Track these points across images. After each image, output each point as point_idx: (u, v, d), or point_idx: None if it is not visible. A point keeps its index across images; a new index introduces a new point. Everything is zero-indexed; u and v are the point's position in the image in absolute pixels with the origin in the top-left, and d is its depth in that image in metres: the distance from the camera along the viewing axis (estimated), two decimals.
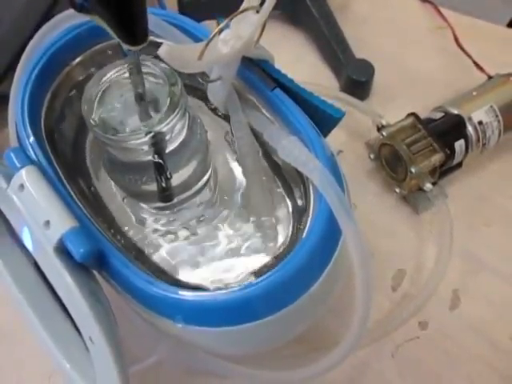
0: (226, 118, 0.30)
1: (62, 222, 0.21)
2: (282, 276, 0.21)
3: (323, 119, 0.27)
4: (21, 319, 0.29)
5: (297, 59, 0.43)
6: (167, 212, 0.29)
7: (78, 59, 0.29)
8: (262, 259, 0.27)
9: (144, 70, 0.22)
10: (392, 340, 0.32)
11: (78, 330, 0.27)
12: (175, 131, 0.23)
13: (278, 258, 0.27)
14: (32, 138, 0.25)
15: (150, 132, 0.22)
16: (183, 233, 0.29)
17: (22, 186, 0.22)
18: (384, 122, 0.34)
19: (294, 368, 0.27)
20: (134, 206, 0.29)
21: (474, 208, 0.36)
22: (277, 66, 0.27)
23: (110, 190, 0.30)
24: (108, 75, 0.23)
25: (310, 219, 0.24)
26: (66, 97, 0.30)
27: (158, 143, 0.22)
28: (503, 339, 0.32)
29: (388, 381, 0.31)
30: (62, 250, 0.22)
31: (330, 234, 0.23)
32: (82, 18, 0.28)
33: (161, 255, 0.28)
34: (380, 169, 0.36)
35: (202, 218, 0.29)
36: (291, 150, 0.24)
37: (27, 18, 0.37)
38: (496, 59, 0.40)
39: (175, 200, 0.28)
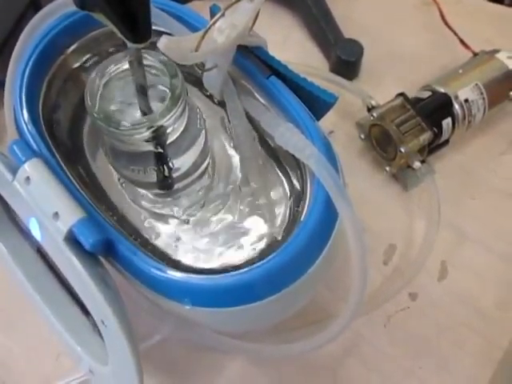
0: (221, 104, 0.31)
1: (70, 214, 0.22)
2: (284, 258, 0.22)
3: (317, 104, 0.28)
4: (26, 303, 0.30)
5: (285, 39, 0.44)
6: (167, 198, 0.30)
7: (72, 47, 0.29)
8: (261, 241, 0.28)
9: (144, 62, 0.22)
10: (384, 311, 0.34)
11: (84, 313, 0.29)
12: (176, 123, 0.23)
13: (277, 240, 0.28)
14: (33, 130, 0.26)
15: (152, 126, 0.22)
16: (183, 217, 0.30)
17: (28, 179, 0.23)
18: (374, 103, 0.35)
19: (292, 341, 0.28)
20: (133, 192, 0.30)
21: (459, 182, 0.38)
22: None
23: (109, 176, 0.30)
24: (110, 68, 0.24)
25: (307, 202, 0.25)
26: (60, 85, 0.30)
27: (159, 136, 0.23)
28: (489, 307, 0.34)
29: (380, 350, 0.33)
30: (72, 240, 0.22)
31: (328, 217, 0.24)
32: (73, 7, 0.28)
33: (163, 240, 0.29)
34: (370, 148, 0.37)
35: (201, 203, 0.30)
36: (288, 137, 0.25)
37: (14, 2, 0.36)
38: (481, 35, 0.41)
39: (175, 187, 0.28)
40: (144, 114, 0.24)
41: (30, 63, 0.27)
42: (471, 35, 0.40)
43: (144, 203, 0.30)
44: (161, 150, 0.25)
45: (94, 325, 0.28)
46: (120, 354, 0.23)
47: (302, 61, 0.41)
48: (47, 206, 0.22)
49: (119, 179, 0.30)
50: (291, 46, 0.43)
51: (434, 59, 0.41)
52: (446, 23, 0.40)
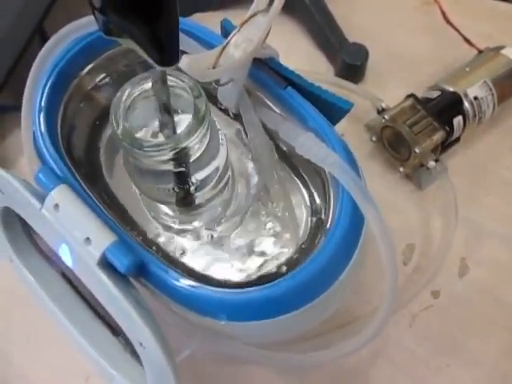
0: (236, 117, 0.31)
1: (102, 238, 0.22)
2: (317, 266, 0.23)
3: (332, 111, 0.28)
4: (53, 330, 0.30)
5: (289, 47, 0.44)
6: (190, 214, 0.30)
7: (87, 68, 0.30)
8: (286, 251, 0.28)
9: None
10: (408, 311, 0.34)
11: (114, 334, 0.29)
12: (200, 142, 0.24)
13: (301, 249, 0.28)
14: (56, 155, 0.26)
15: (176, 148, 0.23)
16: (206, 232, 0.30)
17: (57, 206, 0.23)
18: (384, 105, 0.36)
19: (320, 347, 0.28)
20: (155, 209, 0.30)
21: (472, 179, 0.38)
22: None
23: (128, 195, 0.30)
24: (133, 88, 0.24)
25: (331, 209, 0.26)
26: (76, 107, 0.30)
27: (183, 156, 0.23)
28: (509, 299, 0.34)
29: (408, 349, 0.33)
30: (105, 264, 0.22)
31: (355, 222, 0.24)
32: (88, 29, 0.28)
33: (188, 256, 0.29)
34: (381, 150, 0.38)
35: (222, 216, 0.30)
36: (309, 147, 0.25)
37: (20, 28, 0.37)
38: (483, 32, 0.41)
39: (197, 202, 0.29)
40: (163, 132, 0.24)
41: (48, 87, 0.27)
42: (473, 33, 0.41)
43: (166, 220, 0.30)
44: (183, 169, 0.25)
45: (126, 345, 0.29)
46: (159, 373, 0.23)
47: (308, 67, 0.41)
48: (78, 231, 0.23)
49: (140, 195, 0.30)
50: (295, 53, 0.43)
51: (437, 59, 0.41)
52: (449, 22, 0.40)
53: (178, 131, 0.23)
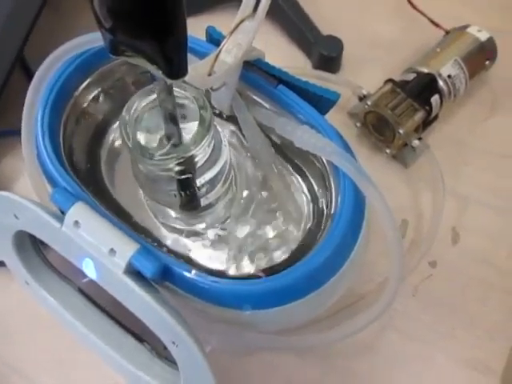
0: (229, 118, 0.32)
1: (126, 247, 0.23)
2: (331, 247, 0.24)
3: (321, 103, 0.29)
4: (77, 345, 0.31)
5: (266, 45, 0.45)
6: (196, 215, 0.31)
7: (81, 87, 0.30)
8: (292, 238, 0.30)
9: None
10: (409, 283, 0.36)
11: (138, 340, 0.30)
12: (205, 150, 0.25)
13: (307, 235, 0.30)
14: (66, 175, 0.27)
15: (183, 157, 0.24)
16: (213, 231, 0.31)
17: (77, 223, 0.24)
18: (365, 92, 0.38)
19: (330, 328, 0.30)
20: (160, 213, 0.31)
21: (452, 152, 0.40)
22: None
23: (131, 201, 0.31)
24: (139, 101, 0.25)
25: (333, 195, 0.27)
26: (74, 124, 0.31)
27: (189, 163, 0.24)
28: (501, 260, 0.37)
29: (414, 318, 0.35)
30: (131, 272, 0.24)
31: (358, 206, 0.26)
32: (83, 48, 0.28)
33: (196, 255, 0.30)
34: (366, 134, 0.40)
35: (227, 215, 0.31)
36: (308, 139, 0.26)
37: (1, 57, 0.37)
38: (447, 13, 0.43)
39: (203, 204, 0.30)
40: (171, 141, 0.25)
41: (48, 109, 0.28)
42: (437, 14, 0.43)
43: (173, 222, 0.31)
44: (190, 175, 0.26)
45: (151, 350, 0.30)
46: (194, 369, 0.24)
47: (286, 63, 0.43)
48: (101, 244, 0.24)
49: (146, 201, 0.31)
50: (272, 50, 0.44)
51: (408, 42, 0.44)
52: (414, 6, 0.42)
53: (186, 138, 0.24)
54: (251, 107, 0.29)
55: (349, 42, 0.43)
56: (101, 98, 0.32)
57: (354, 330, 0.28)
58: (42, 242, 0.30)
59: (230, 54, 0.26)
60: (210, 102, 0.26)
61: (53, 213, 0.25)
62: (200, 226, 0.32)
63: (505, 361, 0.34)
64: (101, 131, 0.33)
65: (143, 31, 0.18)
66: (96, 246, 0.24)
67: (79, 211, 0.24)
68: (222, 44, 0.25)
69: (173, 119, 0.23)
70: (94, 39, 0.25)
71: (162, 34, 0.18)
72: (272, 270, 0.29)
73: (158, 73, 0.19)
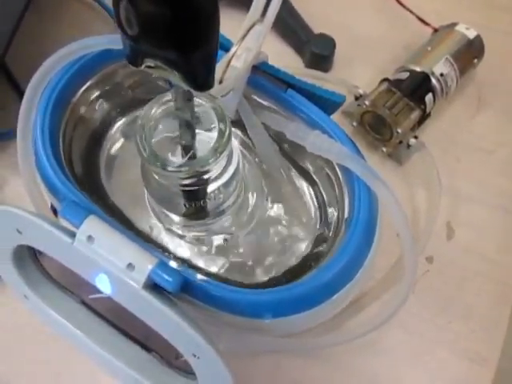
0: (235, 123, 0.32)
1: (144, 261, 0.23)
2: (350, 256, 0.24)
3: (327, 105, 0.30)
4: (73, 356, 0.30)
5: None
6: (203, 222, 0.30)
7: (78, 93, 0.29)
8: (302, 244, 0.30)
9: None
10: None
11: (146, 351, 0.30)
12: (221, 164, 0.24)
13: (317, 240, 0.30)
14: (73, 188, 0.25)
15: (199, 171, 0.23)
16: (221, 237, 0.31)
17: (90, 238, 0.23)
18: (362, 92, 0.38)
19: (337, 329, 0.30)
20: (167, 221, 0.31)
21: (444, 148, 0.41)
22: None
23: (132, 209, 0.31)
24: (154, 110, 0.24)
25: (346, 200, 0.27)
26: (72, 131, 0.30)
27: (204, 175, 0.24)
28: (492, 253, 0.38)
29: (414, 313, 0.36)
30: (150, 286, 0.23)
31: (373, 212, 0.26)
32: (76, 56, 0.27)
33: (210, 263, 0.30)
34: (362, 133, 0.40)
35: (236, 221, 0.31)
36: (320, 144, 0.26)
37: None
38: (433, 10, 0.44)
39: (212, 212, 0.29)
40: (188, 154, 0.24)
41: (47, 118, 0.27)
42: (424, 11, 0.43)
43: (181, 229, 0.31)
44: (203, 186, 0.26)
45: (161, 359, 0.29)
46: (217, 380, 0.24)
47: (278, 62, 0.42)
48: (118, 259, 0.23)
49: (151, 208, 0.30)
50: (263, 49, 0.44)
51: (396, 40, 0.44)
52: (401, 4, 0.43)
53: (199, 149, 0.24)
54: (258, 112, 0.29)
55: (338, 40, 0.43)
56: (98, 103, 0.31)
57: (371, 328, 0.28)
58: (39, 252, 0.29)
59: (239, 59, 0.26)
60: None
61: (62, 227, 0.24)
62: (207, 233, 0.31)
63: (500, 351, 0.35)
64: (98, 136, 0.32)
65: (172, 41, 0.17)
66: (112, 261, 0.23)
67: (92, 225, 0.23)
68: (232, 50, 0.25)
69: (190, 128, 0.23)
70: (92, 44, 0.24)
71: (194, 46, 0.17)
72: (281, 277, 0.29)
73: (182, 84, 0.18)
